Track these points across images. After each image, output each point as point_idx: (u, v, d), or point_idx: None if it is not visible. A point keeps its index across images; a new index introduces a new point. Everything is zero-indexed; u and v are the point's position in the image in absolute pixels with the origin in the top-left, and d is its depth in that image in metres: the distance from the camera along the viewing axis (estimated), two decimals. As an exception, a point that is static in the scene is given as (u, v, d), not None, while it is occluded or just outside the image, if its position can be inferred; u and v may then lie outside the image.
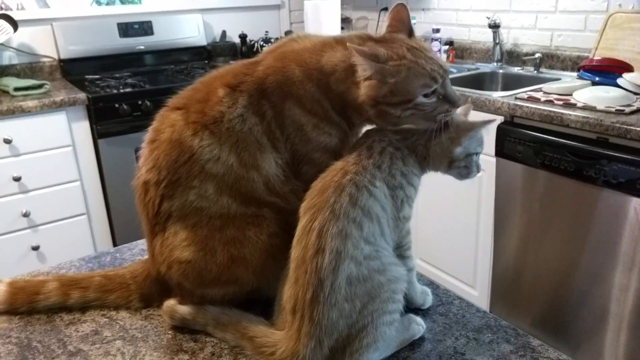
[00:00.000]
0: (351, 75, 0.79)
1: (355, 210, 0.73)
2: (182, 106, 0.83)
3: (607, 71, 2.17)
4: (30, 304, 0.91)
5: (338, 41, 0.83)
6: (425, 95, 0.77)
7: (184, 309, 0.85)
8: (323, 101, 0.81)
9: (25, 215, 2.55)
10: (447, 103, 0.79)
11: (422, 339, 0.82)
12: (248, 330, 0.78)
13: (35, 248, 2.62)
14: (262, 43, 3.56)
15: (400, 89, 0.76)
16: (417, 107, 0.77)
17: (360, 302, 0.72)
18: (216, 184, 0.80)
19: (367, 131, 0.85)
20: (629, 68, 2.14)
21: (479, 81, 2.80)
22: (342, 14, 3.41)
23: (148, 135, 0.85)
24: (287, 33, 3.72)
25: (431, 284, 0.97)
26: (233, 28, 3.63)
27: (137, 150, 0.88)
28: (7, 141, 2.43)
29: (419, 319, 0.83)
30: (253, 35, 3.64)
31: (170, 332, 0.86)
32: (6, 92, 2.65)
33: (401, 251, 0.84)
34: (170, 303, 0.86)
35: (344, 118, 0.83)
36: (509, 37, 2.90)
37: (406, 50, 0.77)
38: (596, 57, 2.30)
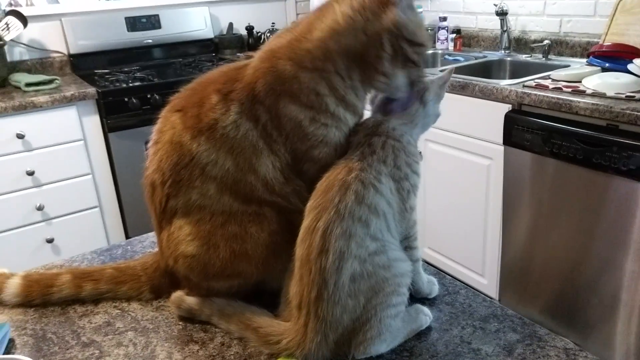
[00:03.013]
0: (367, 12, 0.78)
1: (361, 208, 0.73)
2: (181, 108, 0.83)
3: (617, 57, 2.14)
4: (45, 296, 0.93)
5: (321, 8, 0.81)
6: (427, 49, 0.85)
7: (191, 300, 0.87)
8: (319, 86, 0.79)
9: (40, 208, 2.59)
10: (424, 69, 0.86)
11: (428, 328, 0.83)
12: (252, 321, 0.80)
13: (50, 241, 2.66)
14: (268, 35, 3.55)
15: (420, 31, 0.81)
16: (422, 56, 0.83)
17: (364, 297, 0.73)
18: (217, 185, 0.81)
19: (362, 127, 0.84)
20: (639, 53, 2.12)
21: (486, 69, 2.79)
22: (349, 4, 3.39)
23: (152, 135, 0.86)
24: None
25: (437, 273, 0.98)
26: (240, 20, 3.63)
27: (147, 143, 0.89)
28: (20, 136, 2.47)
29: (426, 310, 0.84)
30: (260, 27, 3.64)
31: (180, 323, 0.87)
32: (18, 88, 2.69)
33: (409, 242, 0.85)
34: (178, 294, 0.88)
35: (342, 101, 0.81)
36: (517, 24, 2.87)
37: None
38: (606, 43, 2.27)
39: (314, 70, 0.79)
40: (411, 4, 0.80)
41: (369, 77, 0.81)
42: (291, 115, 0.80)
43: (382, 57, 0.79)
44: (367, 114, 0.88)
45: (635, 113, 1.72)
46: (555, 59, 2.64)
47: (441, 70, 2.65)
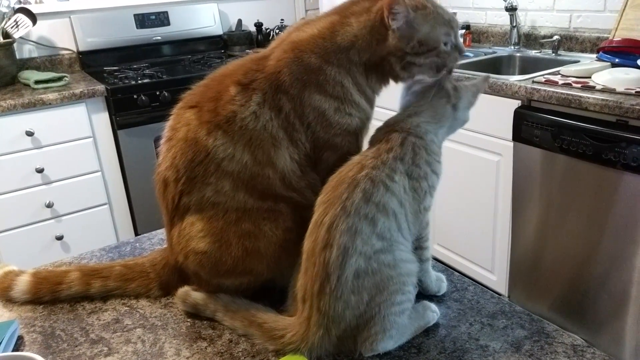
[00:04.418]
0: (376, 35, 0.81)
1: (368, 206, 0.73)
2: (196, 104, 0.84)
3: (627, 52, 2.12)
4: (54, 294, 0.94)
5: (341, 15, 0.84)
6: (445, 44, 0.82)
7: (197, 295, 0.87)
8: (345, 80, 0.81)
9: (49, 206, 2.61)
10: (457, 51, 0.85)
11: (436, 325, 0.83)
12: (257, 317, 0.80)
13: (59, 238, 2.68)
14: (277, 31, 3.55)
15: (429, 37, 0.81)
16: (439, 55, 0.82)
17: (367, 294, 0.73)
18: (232, 181, 0.81)
19: (384, 123, 0.84)
20: (650, 49, 2.09)
21: (496, 65, 2.77)
22: None
23: (165, 132, 0.86)
24: (302, 20, 3.70)
25: (445, 270, 0.98)
26: (248, 17, 3.63)
27: (156, 140, 0.89)
28: (29, 133, 2.48)
29: (433, 306, 0.84)
30: (269, 24, 3.64)
31: (189, 320, 0.88)
32: (27, 85, 2.70)
33: (420, 242, 0.85)
34: (184, 289, 0.89)
35: (364, 94, 0.84)
36: (527, 20, 2.85)
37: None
38: (616, 38, 2.25)
39: (340, 66, 0.81)
40: (412, 18, 0.80)
41: (388, 79, 0.86)
42: (315, 104, 0.81)
43: (395, 69, 0.83)
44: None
45: (646, 109, 1.71)
46: (564, 55, 2.62)
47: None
